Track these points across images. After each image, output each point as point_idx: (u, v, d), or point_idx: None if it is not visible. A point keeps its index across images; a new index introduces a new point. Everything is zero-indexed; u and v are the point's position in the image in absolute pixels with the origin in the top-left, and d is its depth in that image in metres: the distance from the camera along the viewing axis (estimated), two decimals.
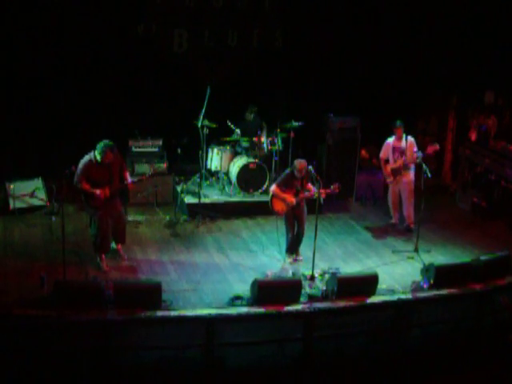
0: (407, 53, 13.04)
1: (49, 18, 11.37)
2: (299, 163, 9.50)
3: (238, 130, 11.85)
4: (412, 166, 10.91)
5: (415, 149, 10.81)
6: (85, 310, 7.84)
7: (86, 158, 8.98)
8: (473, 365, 8.94)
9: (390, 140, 11.05)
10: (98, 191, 8.93)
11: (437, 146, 10.72)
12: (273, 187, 9.69)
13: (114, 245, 9.57)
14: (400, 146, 10.93)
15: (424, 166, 10.22)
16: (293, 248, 9.86)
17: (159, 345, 8.03)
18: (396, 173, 10.99)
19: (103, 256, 9.26)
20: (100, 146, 8.90)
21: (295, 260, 9.83)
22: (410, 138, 10.90)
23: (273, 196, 9.68)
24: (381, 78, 13.12)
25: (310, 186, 9.72)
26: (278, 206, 9.66)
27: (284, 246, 9.93)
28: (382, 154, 11.19)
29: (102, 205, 9.02)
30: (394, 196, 11.24)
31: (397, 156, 10.97)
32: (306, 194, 9.64)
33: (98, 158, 8.91)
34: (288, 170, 9.73)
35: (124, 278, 9.02)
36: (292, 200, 9.55)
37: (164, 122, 12.28)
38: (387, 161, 11.08)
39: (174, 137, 12.07)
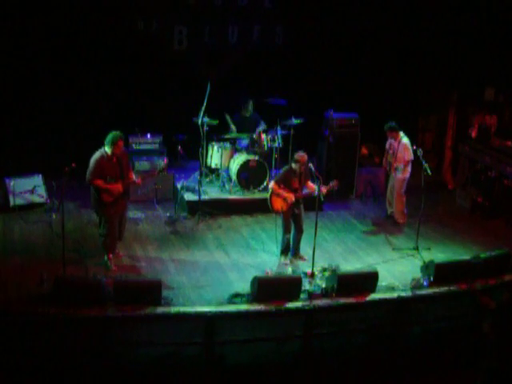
0: (407, 49, 13.03)
1: (47, 14, 11.35)
2: (300, 156, 9.32)
3: (233, 127, 11.82)
4: (402, 166, 10.89)
5: (404, 152, 10.81)
6: (85, 307, 7.84)
7: (97, 154, 8.90)
8: (472, 362, 8.93)
9: None
10: (112, 187, 8.89)
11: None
12: (271, 184, 9.57)
13: None
14: (393, 146, 11.02)
15: (424, 163, 10.21)
16: (288, 249, 9.69)
17: (159, 342, 8.03)
18: (390, 166, 11.16)
19: (111, 255, 9.25)
20: (110, 137, 8.84)
21: (303, 259, 9.67)
22: (404, 143, 10.86)
23: (272, 194, 9.53)
24: (381, 75, 13.11)
25: (310, 183, 9.63)
26: (278, 205, 9.50)
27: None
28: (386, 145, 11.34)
29: (114, 201, 8.97)
30: (389, 189, 11.38)
31: (391, 153, 11.10)
32: (306, 191, 9.54)
33: (109, 150, 8.83)
34: (287, 167, 9.61)
35: (124, 274, 9.01)
36: (291, 197, 9.37)
37: (164, 119, 12.28)
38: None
39: (174, 134, 12.07)
